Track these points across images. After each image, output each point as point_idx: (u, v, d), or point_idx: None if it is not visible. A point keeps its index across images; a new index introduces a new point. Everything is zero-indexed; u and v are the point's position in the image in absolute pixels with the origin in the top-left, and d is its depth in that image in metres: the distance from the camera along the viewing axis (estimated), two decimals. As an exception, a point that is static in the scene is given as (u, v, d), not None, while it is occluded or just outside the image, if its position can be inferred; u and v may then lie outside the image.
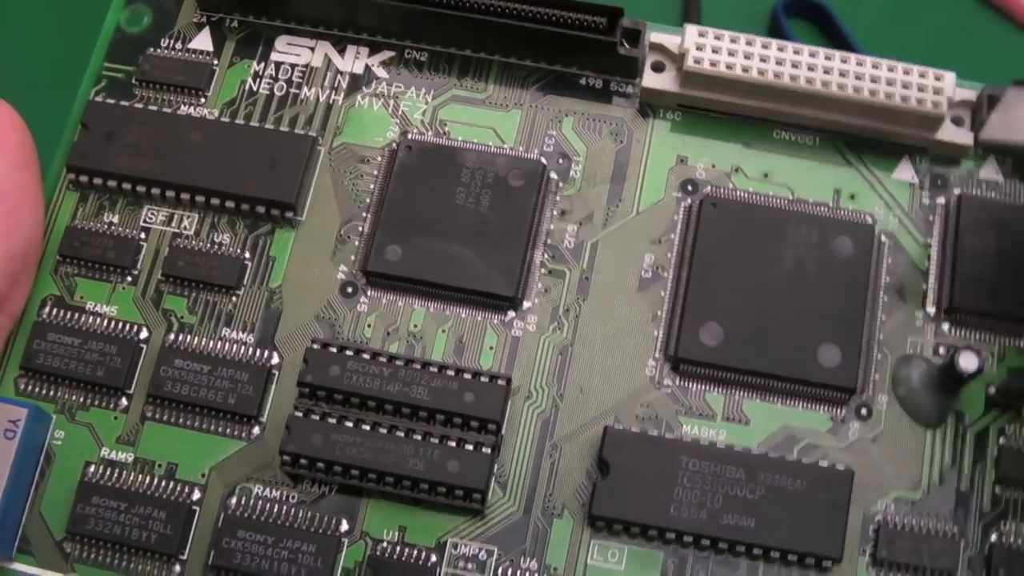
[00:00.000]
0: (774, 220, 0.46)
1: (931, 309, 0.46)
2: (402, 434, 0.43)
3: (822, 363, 0.44)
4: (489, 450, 0.43)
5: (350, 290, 0.46)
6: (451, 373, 0.44)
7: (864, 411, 0.45)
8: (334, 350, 0.44)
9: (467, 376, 0.44)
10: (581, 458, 0.44)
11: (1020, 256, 0.46)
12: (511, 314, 0.46)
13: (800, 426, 0.44)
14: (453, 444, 0.43)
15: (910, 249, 0.46)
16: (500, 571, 0.43)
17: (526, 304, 0.46)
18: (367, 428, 0.43)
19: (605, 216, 0.47)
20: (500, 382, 0.44)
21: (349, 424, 0.43)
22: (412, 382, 0.44)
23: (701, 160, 0.48)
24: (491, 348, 0.45)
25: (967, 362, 0.43)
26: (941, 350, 0.45)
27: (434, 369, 0.44)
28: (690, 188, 0.47)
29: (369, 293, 0.46)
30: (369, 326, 0.46)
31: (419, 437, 0.43)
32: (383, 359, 0.44)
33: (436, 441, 0.43)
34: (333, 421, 0.43)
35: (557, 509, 0.44)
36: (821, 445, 0.44)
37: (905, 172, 0.47)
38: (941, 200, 0.47)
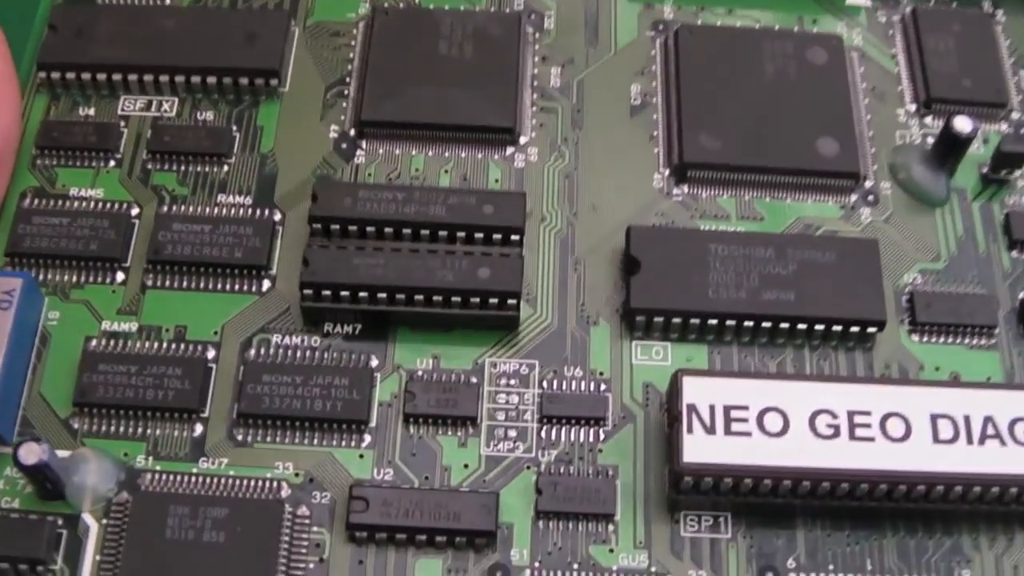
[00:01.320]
0: (748, 38, 0.46)
1: (911, 106, 0.46)
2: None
3: (823, 153, 0.43)
4: (517, 257, 0.40)
5: (344, 145, 0.44)
6: (466, 192, 0.41)
7: (871, 197, 0.44)
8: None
9: (483, 192, 0.41)
10: (606, 268, 0.42)
11: (982, 50, 0.46)
12: (510, 149, 0.44)
13: (813, 215, 0.43)
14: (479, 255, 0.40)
15: (878, 59, 0.47)
16: (544, 383, 0.40)
17: (523, 139, 0.44)
18: (389, 251, 0.40)
19: (586, 57, 0.46)
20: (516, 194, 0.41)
21: (369, 250, 0.40)
22: (428, 202, 0.41)
23: (667, 2, 0.47)
24: (496, 181, 0.43)
25: (962, 124, 0.43)
26: (929, 139, 0.45)
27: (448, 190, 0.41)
28: (661, 27, 0.47)
29: (364, 145, 0.44)
30: (369, 175, 0.43)
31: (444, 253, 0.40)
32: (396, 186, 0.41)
33: (462, 254, 0.40)
34: (352, 250, 0.40)
35: (592, 317, 0.41)
36: (838, 231, 0.43)
37: (857, -4, 0.48)
38: (896, 16, 0.48)
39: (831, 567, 0.37)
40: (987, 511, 0.38)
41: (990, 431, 0.37)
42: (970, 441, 0.37)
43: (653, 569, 0.37)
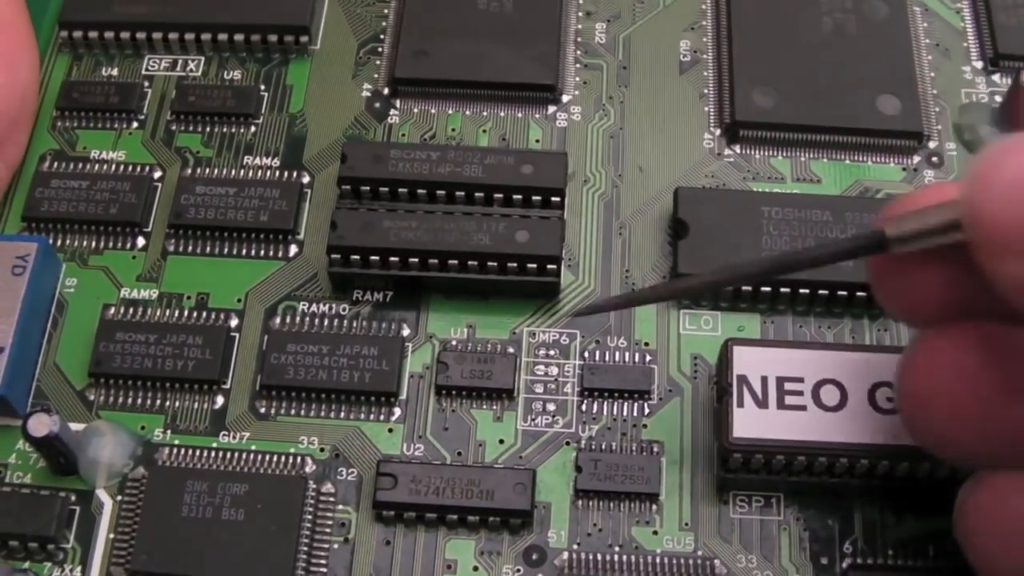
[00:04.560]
0: (805, -9, 0.42)
1: (978, 63, 0.41)
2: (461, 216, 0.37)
3: (883, 112, 0.39)
4: (558, 220, 0.36)
5: (377, 105, 0.40)
6: (504, 151, 0.37)
7: (935, 159, 0.39)
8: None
9: (522, 151, 0.38)
10: (653, 233, 0.38)
11: (1055, 2, 0.42)
12: (552, 108, 0.40)
13: (874, 178, 0.39)
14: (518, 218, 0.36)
15: (943, 13, 0.42)
16: (586, 354, 0.36)
17: (565, 97, 0.40)
18: (422, 213, 0.36)
19: (632, 12, 0.42)
20: (557, 154, 0.38)
21: (401, 213, 0.37)
22: (464, 162, 0.37)
23: (718, -45, 0.43)
24: (537, 141, 0.39)
25: (1034, 79, 0.39)
26: (997, 98, 0.40)
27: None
28: (712, -19, 0.43)
29: (399, 104, 0.40)
30: (403, 135, 0.39)
31: (480, 216, 0.36)
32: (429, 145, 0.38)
33: (499, 216, 0.36)
34: (383, 212, 0.37)
35: (638, 284, 0.37)
36: (899, 194, 0.39)
37: (922, -51, 0.44)
38: (964, -33, 0.43)
39: (890, 553, 0.33)
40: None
41: (1068, 407, 0.33)
42: (1043, 418, 0.33)
43: (699, 553, 0.33)
